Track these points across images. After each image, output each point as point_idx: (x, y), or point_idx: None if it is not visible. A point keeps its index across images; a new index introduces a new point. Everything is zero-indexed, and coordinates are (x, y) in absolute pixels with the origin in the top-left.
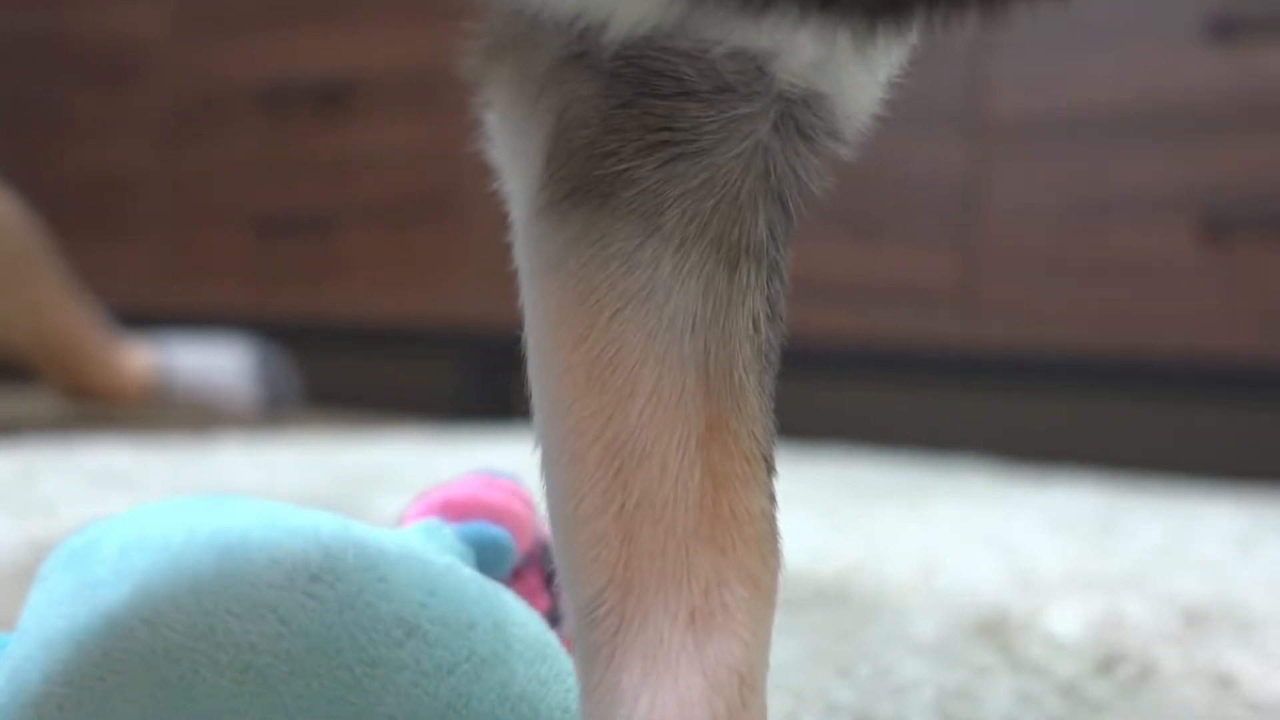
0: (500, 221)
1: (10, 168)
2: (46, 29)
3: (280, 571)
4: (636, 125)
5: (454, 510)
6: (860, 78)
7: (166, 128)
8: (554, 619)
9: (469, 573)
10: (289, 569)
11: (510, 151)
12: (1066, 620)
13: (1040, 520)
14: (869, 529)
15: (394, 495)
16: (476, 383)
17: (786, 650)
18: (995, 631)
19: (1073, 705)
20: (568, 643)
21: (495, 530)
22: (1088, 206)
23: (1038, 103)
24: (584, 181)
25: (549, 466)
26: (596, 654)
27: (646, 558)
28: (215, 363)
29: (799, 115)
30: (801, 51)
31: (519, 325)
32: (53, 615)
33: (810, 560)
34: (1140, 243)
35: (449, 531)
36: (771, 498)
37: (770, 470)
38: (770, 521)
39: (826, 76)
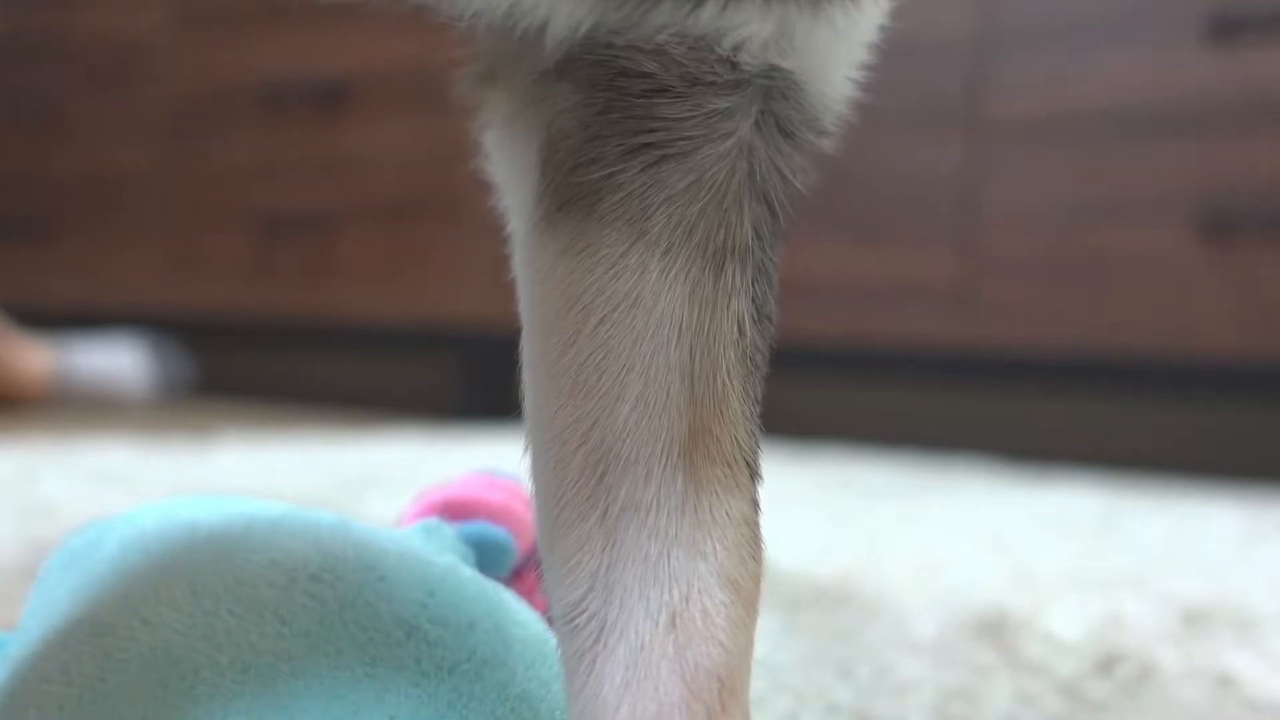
0: (500, 222)
1: (10, 167)
2: (46, 29)
3: (280, 571)
4: (617, 130)
5: (454, 510)
6: (824, 52)
7: (166, 127)
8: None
9: (469, 573)
10: (289, 569)
11: (507, 169)
12: (1066, 620)
13: (1040, 520)
14: (869, 529)
15: (394, 495)
16: (476, 383)
17: (786, 650)
18: (995, 631)
19: (1073, 705)
20: None
21: (495, 530)
22: (1088, 206)
23: (1038, 103)
24: (574, 191)
25: (535, 472)
26: (579, 661)
27: (628, 563)
28: (110, 359)
29: (778, 110)
30: (747, 27)
31: (518, 327)
32: (53, 615)
33: (810, 560)
34: (1140, 243)
35: (449, 531)
36: (754, 503)
37: (754, 475)
38: (752, 526)
39: (787, 53)
